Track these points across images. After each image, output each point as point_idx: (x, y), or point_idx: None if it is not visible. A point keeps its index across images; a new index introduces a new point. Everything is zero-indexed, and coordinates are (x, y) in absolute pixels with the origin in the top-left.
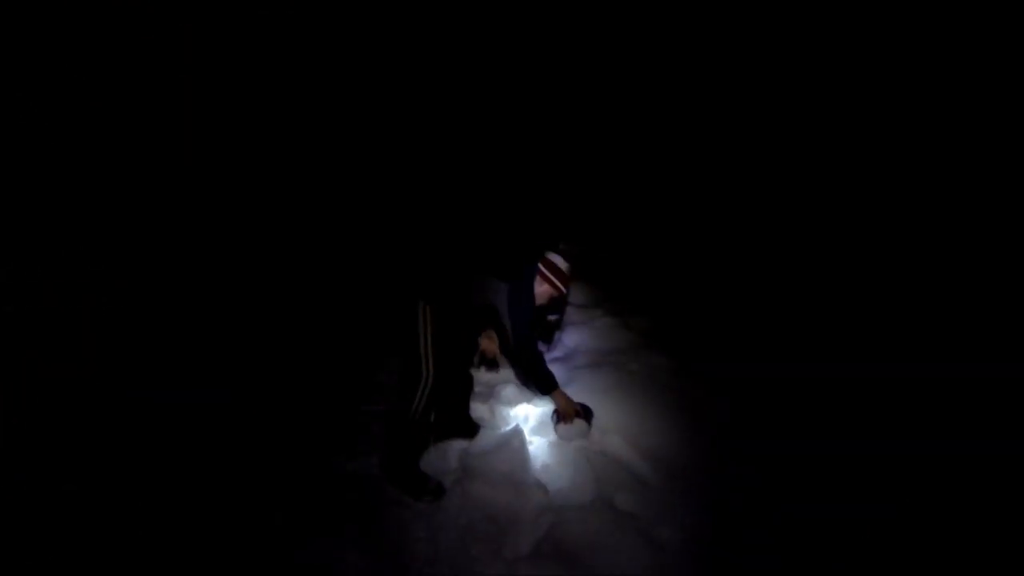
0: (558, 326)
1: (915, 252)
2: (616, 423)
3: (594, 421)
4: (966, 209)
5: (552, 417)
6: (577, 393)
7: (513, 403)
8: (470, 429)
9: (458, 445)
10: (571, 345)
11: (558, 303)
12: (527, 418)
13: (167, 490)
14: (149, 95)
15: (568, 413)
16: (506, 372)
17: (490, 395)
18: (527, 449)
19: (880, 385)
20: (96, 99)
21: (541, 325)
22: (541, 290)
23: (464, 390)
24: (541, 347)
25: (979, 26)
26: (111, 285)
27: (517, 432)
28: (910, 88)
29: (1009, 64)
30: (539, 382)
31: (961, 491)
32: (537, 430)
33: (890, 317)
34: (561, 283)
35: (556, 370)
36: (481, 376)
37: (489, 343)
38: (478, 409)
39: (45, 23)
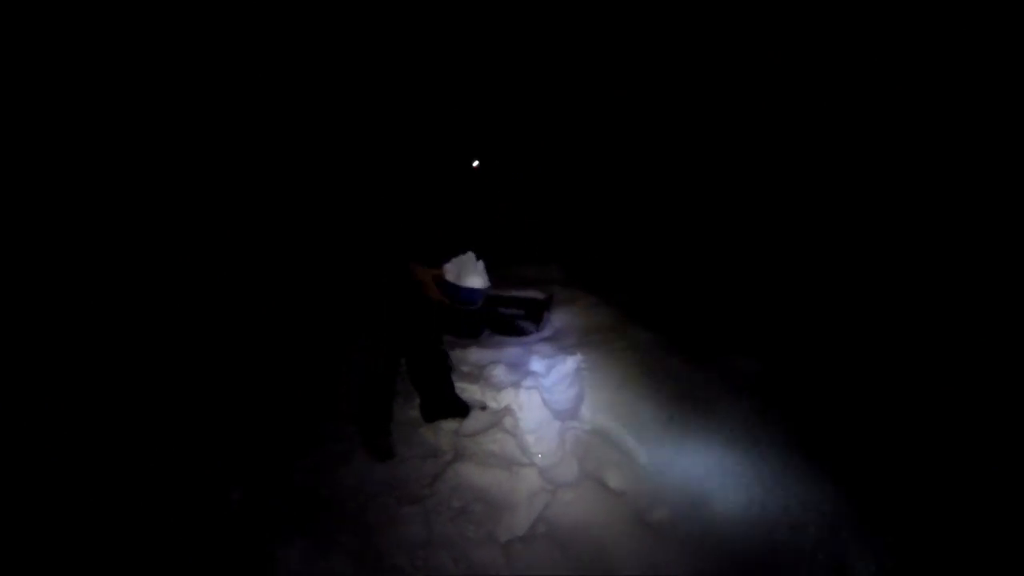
0: (547, 306)
1: (905, 244)
2: (606, 401)
3: (586, 401)
4: (963, 209)
5: None
6: (567, 372)
7: (504, 384)
8: (460, 409)
9: (449, 426)
10: (559, 325)
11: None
12: (519, 398)
13: (143, 487)
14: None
15: None
16: (495, 352)
17: (480, 376)
18: (520, 429)
19: (864, 367)
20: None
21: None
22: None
23: (440, 367)
24: (531, 328)
25: (979, 26)
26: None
27: (509, 412)
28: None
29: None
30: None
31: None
32: (529, 410)
33: (873, 297)
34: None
35: (546, 349)
36: (469, 357)
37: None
38: (469, 390)
39: (47, 23)
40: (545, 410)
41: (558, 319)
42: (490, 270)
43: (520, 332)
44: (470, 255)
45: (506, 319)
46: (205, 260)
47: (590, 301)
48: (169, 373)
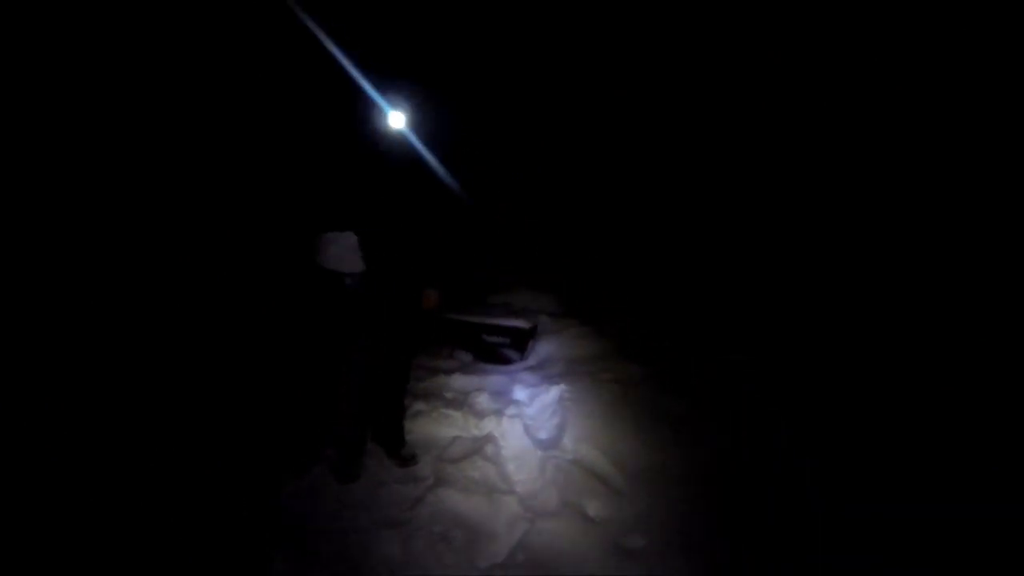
0: (532, 335)
1: (896, 253)
2: (589, 431)
3: (568, 431)
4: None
5: None
6: (550, 402)
7: (487, 411)
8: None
9: (433, 451)
10: (544, 354)
11: None
12: (501, 426)
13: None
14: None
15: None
16: (479, 379)
17: (464, 403)
18: (501, 457)
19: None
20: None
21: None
22: None
23: (400, 387)
24: (515, 357)
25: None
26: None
27: (491, 440)
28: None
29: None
30: None
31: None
32: (512, 438)
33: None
34: None
35: (530, 378)
36: (453, 383)
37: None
38: (452, 416)
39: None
40: (527, 439)
41: (544, 348)
42: (484, 290)
43: (505, 360)
44: (347, 235)
45: (490, 347)
46: (209, 261)
47: (578, 332)
48: (163, 374)
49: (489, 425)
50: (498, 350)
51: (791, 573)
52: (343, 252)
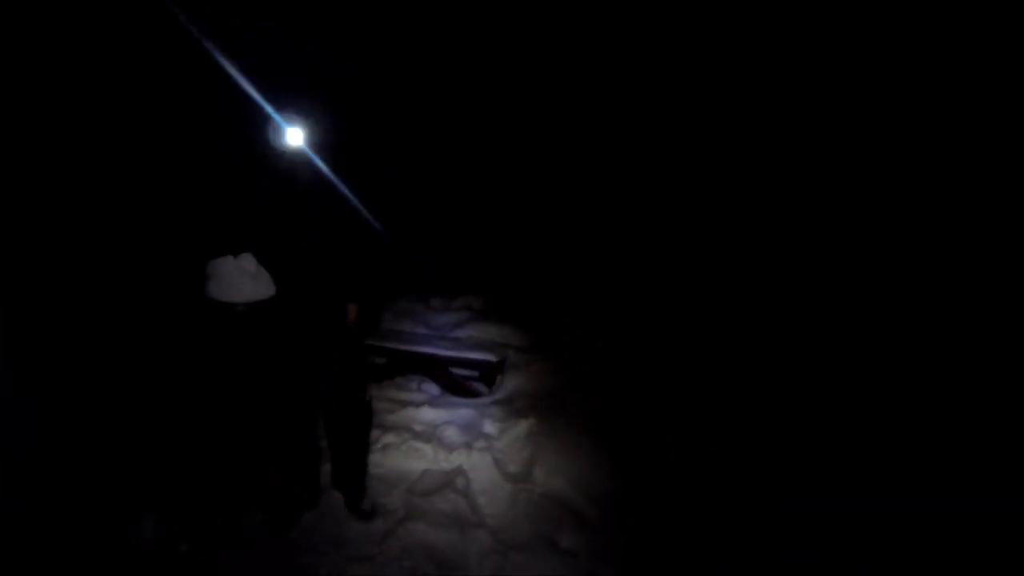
0: (500, 370)
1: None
2: (559, 464)
3: (538, 464)
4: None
5: None
6: (520, 435)
7: (456, 444)
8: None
9: (403, 484)
10: (512, 388)
11: None
12: (471, 459)
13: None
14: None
15: None
16: (448, 412)
17: (432, 436)
18: (472, 490)
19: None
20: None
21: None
22: None
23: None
24: (483, 390)
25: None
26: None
27: (461, 473)
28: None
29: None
30: None
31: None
32: (481, 471)
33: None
34: None
35: (499, 411)
36: (422, 416)
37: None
38: (421, 449)
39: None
40: (497, 472)
41: (512, 382)
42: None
43: (473, 393)
44: (244, 257)
45: (459, 380)
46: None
47: (546, 367)
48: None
49: (459, 458)
50: (466, 383)
51: (731, 570)
52: (237, 278)
